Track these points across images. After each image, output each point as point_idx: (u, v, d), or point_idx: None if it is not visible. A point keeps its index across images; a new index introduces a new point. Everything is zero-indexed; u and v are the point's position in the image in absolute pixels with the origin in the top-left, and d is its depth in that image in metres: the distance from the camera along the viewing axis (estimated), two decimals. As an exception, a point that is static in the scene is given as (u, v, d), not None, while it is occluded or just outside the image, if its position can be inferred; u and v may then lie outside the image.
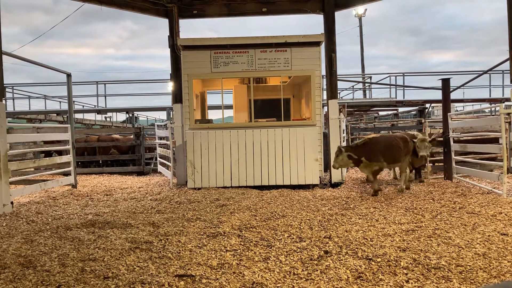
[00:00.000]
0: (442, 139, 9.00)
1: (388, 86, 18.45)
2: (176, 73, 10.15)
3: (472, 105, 21.43)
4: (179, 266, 3.80)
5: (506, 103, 12.49)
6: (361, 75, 22.83)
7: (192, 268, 3.71)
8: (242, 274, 3.53)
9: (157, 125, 13.16)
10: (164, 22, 10.53)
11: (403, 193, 7.57)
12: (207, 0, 10.36)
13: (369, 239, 4.48)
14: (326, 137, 9.72)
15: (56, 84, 20.76)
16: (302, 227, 5.14)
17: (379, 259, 3.79)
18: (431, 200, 6.73)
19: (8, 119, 17.35)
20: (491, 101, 17.55)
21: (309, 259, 3.88)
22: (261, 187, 8.52)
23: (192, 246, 4.40)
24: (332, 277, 3.41)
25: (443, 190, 7.72)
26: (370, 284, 3.28)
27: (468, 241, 4.29)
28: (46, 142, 11.26)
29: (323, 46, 9.20)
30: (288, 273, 3.55)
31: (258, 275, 3.50)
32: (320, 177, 9.03)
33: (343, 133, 9.81)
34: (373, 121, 21.65)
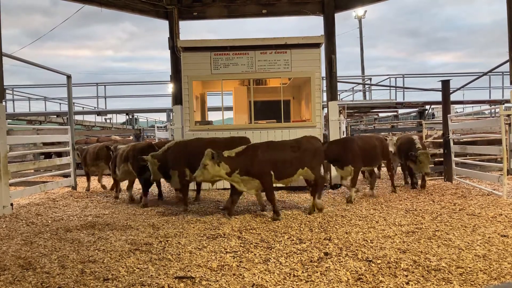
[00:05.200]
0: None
1: (388, 88, 18.44)
2: (176, 75, 10.15)
3: (472, 106, 21.43)
4: (179, 268, 3.79)
5: (506, 104, 12.51)
6: (361, 77, 22.82)
7: (192, 270, 3.71)
8: (242, 276, 3.53)
9: (157, 127, 13.17)
10: (163, 24, 10.55)
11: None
12: (207, 2, 10.37)
13: (369, 241, 4.47)
14: (326, 138, 9.72)
15: (56, 86, 20.67)
16: (302, 229, 5.14)
17: (379, 261, 3.79)
18: (431, 202, 6.72)
19: (8, 120, 17.38)
20: (491, 102, 17.54)
21: (309, 261, 3.87)
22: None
23: (192, 248, 4.40)
24: (332, 279, 3.41)
25: (443, 191, 7.72)
26: (370, 286, 3.28)
27: (468, 243, 4.29)
28: (45, 144, 11.26)
29: (323, 47, 9.20)
30: (288, 275, 3.54)
31: (258, 277, 3.49)
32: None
33: (343, 134, 9.81)
34: (373, 122, 21.66)
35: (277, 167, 5.88)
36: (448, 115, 8.93)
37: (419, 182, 8.39)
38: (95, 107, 21.14)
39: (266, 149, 5.98)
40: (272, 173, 5.85)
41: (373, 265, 3.69)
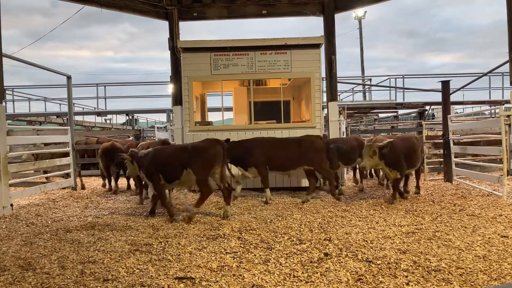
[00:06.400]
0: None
1: (388, 88, 18.46)
2: (176, 75, 10.16)
3: (472, 107, 21.44)
4: (179, 268, 3.79)
5: (506, 105, 12.50)
6: (361, 77, 22.84)
7: (192, 271, 3.70)
8: (242, 276, 3.53)
9: (157, 127, 13.18)
10: (163, 25, 10.57)
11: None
12: (207, 2, 10.38)
13: (369, 241, 4.47)
14: (326, 138, 9.71)
15: (56, 86, 20.68)
16: (302, 229, 5.14)
17: (379, 262, 3.78)
18: (431, 202, 6.72)
19: (8, 121, 17.36)
20: (491, 103, 17.55)
21: (309, 262, 3.87)
22: (261, 189, 8.51)
23: (192, 249, 4.40)
24: (332, 280, 3.41)
25: (443, 192, 7.72)
26: (370, 286, 3.28)
27: (468, 243, 4.29)
28: (45, 144, 11.27)
29: (323, 48, 9.20)
30: (288, 275, 3.54)
31: (258, 277, 3.49)
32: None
33: (343, 135, 9.81)
34: (373, 123, 21.66)
35: (164, 169, 5.97)
36: (448, 116, 8.94)
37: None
38: (95, 108, 21.14)
39: (157, 152, 6.12)
40: (160, 175, 5.97)
41: (373, 265, 3.69)
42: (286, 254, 4.13)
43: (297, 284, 3.36)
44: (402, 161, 6.89)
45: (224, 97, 9.59)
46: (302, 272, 3.59)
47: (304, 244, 4.46)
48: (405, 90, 18.17)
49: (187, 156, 5.89)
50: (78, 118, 20.56)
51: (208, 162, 5.88)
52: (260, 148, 7.37)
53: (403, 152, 6.95)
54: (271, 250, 4.28)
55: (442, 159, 9.36)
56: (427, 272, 3.51)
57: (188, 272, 3.68)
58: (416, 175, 7.84)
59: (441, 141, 9.43)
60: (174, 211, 6.09)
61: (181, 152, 6.02)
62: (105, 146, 9.24)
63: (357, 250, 4.16)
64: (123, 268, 3.81)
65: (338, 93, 14.94)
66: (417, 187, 7.77)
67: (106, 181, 9.45)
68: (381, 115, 23.36)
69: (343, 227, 5.20)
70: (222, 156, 5.99)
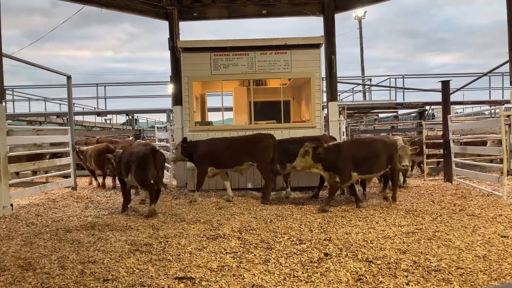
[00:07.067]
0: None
1: (388, 88, 18.45)
2: (176, 75, 10.16)
3: (472, 107, 21.44)
4: (179, 268, 3.79)
5: (506, 105, 12.50)
6: (361, 77, 22.83)
7: (192, 271, 3.71)
8: (242, 276, 3.53)
9: (157, 127, 13.16)
10: (163, 25, 10.57)
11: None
12: (207, 2, 10.39)
13: (369, 242, 4.47)
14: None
15: (56, 86, 20.67)
16: (302, 229, 5.14)
17: (379, 262, 3.79)
18: (431, 202, 6.72)
19: (8, 121, 17.36)
20: (491, 103, 17.54)
21: (309, 262, 3.87)
22: (261, 189, 8.51)
23: (192, 249, 4.40)
24: (332, 280, 3.41)
25: (443, 192, 7.72)
26: (370, 286, 3.28)
27: (468, 243, 4.29)
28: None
29: (323, 48, 9.21)
30: (288, 275, 3.54)
31: (258, 277, 3.49)
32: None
33: (343, 135, 9.81)
34: (373, 123, 21.67)
35: (124, 170, 6.64)
36: (448, 116, 8.94)
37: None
38: (95, 108, 21.13)
39: (122, 154, 6.84)
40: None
41: (373, 265, 3.69)
42: (286, 254, 4.13)
43: (297, 284, 3.36)
44: (345, 166, 6.33)
45: (224, 97, 9.59)
46: (302, 272, 3.59)
47: (304, 244, 4.46)
48: (405, 90, 18.17)
49: (128, 162, 6.47)
50: (78, 118, 20.55)
51: (144, 167, 6.31)
52: (205, 149, 7.70)
53: (351, 156, 6.37)
54: (271, 250, 4.28)
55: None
56: (427, 272, 3.51)
57: (188, 272, 3.68)
58: (391, 180, 6.96)
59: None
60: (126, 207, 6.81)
61: (127, 156, 6.59)
62: (100, 147, 9.69)
63: (357, 250, 4.16)
64: (123, 268, 3.81)
65: (338, 93, 14.93)
66: (393, 197, 6.81)
67: (99, 180, 9.86)
68: (381, 115, 23.37)
69: (343, 227, 5.21)
70: (155, 162, 6.35)
